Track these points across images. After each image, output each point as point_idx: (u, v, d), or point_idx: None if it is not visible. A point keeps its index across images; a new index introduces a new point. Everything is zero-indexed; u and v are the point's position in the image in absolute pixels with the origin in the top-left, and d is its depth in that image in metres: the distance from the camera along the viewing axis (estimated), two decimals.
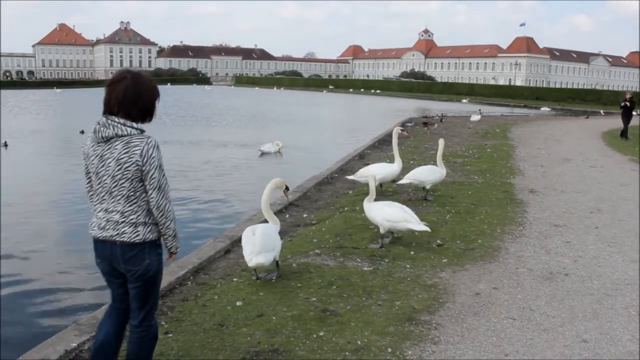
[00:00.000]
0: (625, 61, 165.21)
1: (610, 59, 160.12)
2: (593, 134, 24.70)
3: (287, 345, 4.35)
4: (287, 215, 9.00)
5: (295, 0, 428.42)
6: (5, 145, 19.23)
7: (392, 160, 10.39)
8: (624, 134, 22.71)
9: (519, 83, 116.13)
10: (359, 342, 4.42)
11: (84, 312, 6.08)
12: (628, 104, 23.04)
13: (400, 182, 9.78)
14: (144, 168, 3.26)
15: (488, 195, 10.21)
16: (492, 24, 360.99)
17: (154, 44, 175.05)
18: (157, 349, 4.28)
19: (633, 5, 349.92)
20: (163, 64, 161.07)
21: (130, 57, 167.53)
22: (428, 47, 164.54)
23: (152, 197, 3.32)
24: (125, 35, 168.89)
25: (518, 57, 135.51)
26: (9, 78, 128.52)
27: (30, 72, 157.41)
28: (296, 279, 5.86)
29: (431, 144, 18.43)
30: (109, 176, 3.29)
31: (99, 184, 3.36)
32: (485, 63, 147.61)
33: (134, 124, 3.30)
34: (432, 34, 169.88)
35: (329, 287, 5.61)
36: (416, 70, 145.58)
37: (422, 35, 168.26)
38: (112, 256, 3.38)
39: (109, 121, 3.27)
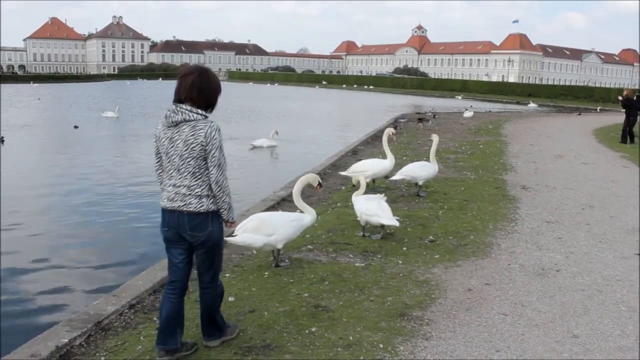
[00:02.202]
0: (617, 58, 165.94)
1: (602, 56, 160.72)
2: (585, 130, 24.78)
3: (279, 341, 4.35)
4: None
5: None
6: (2, 140, 18.68)
7: (384, 157, 10.38)
8: (624, 137, 19.91)
9: (512, 80, 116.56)
10: (350, 338, 4.42)
11: (76, 307, 6.06)
12: (620, 98, 20.38)
13: (393, 177, 9.79)
14: (207, 148, 3.75)
15: (480, 192, 10.24)
16: (486, 20, 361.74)
17: (146, 38, 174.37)
18: (149, 344, 4.30)
19: (626, 3, 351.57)
20: (156, 58, 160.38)
21: (123, 51, 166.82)
22: (421, 43, 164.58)
23: (212, 174, 3.81)
24: (117, 30, 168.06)
25: (511, 53, 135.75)
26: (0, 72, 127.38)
27: (22, 67, 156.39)
28: (289, 274, 5.86)
29: (424, 140, 18.46)
30: (177, 155, 3.78)
31: (168, 162, 3.85)
32: (479, 59, 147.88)
33: (199, 110, 3.79)
34: (426, 30, 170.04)
35: (322, 282, 5.61)
36: (409, 66, 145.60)
37: (416, 32, 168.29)
38: (179, 225, 3.85)
39: (178, 108, 3.77)
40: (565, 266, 6.32)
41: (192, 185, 3.80)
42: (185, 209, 3.81)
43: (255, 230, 5.74)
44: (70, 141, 21.25)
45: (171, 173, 3.85)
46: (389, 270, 6.01)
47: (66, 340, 4.30)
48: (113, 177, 13.86)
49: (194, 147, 3.73)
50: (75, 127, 24.64)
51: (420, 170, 9.64)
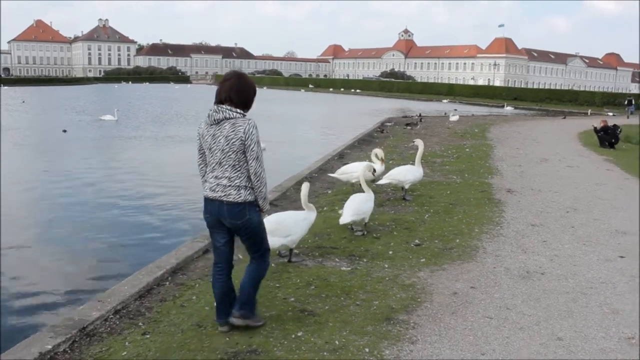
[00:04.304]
0: (601, 62, 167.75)
1: (586, 60, 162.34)
2: (570, 134, 25.01)
3: (265, 346, 4.34)
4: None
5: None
6: None
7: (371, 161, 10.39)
8: (602, 143, 19.72)
9: (497, 83, 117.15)
10: (337, 342, 4.42)
11: (60, 313, 6.01)
12: (595, 126, 20.33)
13: (379, 182, 9.80)
14: (246, 142, 4.20)
15: (466, 195, 10.28)
16: (472, 24, 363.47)
17: (133, 41, 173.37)
18: (135, 350, 4.27)
19: (609, 7, 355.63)
20: (142, 62, 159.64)
21: (109, 54, 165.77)
22: (408, 47, 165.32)
23: (251, 166, 4.24)
24: (103, 33, 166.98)
25: (497, 57, 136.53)
26: None
27: (6, 69, 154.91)
28: (275, 279, 5.84)
29: (411, 144, 18.50)
30: (219, 150, 4.23)
31: (211, 156, 4.30)
32: (465, 63, 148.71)
33: (238, 110, 4.26)
34: (412, 34, 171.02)
35: (308, 287, 5.61)
36: (396, 70, 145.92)
37: (402, 35, 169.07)
38: (219, 213, 4.32)
39: (219, 108, 4.25)
40: (550, 269, 6.37)
41: (232, 177, 4.24)
42: (225, 199, 4.25)
43: (273, 233, 5.78)
44: (57, 145, 21.05)
45: (214, 166, 4.30)
46: (375, 274, 6.02)
47: (50, 347, 4.26)
48: (100, 181, 13.76)
49: (234, 142, 4.17)
50: (64, 131, 24.32)
51: (407, 174, 9.66)
